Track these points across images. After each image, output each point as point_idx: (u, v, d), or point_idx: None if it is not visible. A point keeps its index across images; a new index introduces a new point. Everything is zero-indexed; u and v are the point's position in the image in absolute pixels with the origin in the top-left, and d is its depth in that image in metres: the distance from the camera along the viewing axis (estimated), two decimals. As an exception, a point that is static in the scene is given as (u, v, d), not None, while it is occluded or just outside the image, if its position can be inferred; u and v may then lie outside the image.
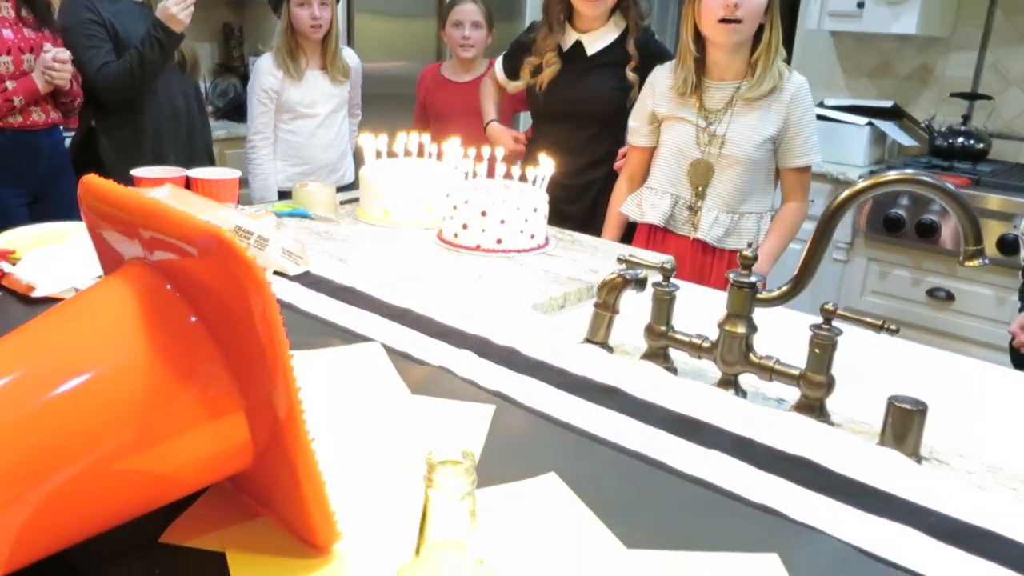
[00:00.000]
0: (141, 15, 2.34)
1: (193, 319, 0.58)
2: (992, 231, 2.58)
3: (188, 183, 1.57)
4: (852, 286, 2.92)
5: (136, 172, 1.55)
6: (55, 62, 2.14)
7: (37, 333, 0.58)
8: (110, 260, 0.70)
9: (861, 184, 0.89)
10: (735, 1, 1.68)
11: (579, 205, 2.21)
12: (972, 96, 3.05)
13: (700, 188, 1.86)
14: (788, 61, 1.94)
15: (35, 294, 1.14)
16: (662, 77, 1.91)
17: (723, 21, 1.71)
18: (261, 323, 0.54)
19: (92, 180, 0.65)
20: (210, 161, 2.66)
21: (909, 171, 0.87)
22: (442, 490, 0.45)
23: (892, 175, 0.88)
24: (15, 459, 0.53)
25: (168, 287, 0.59)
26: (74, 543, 0.57)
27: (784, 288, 0.92)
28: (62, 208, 2.19)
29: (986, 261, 0.86)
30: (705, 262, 1.89)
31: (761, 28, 1.76)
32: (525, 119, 2.56)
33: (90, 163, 2.40)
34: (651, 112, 1.93)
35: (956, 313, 2.71)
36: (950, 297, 2.71)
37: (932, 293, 2.74)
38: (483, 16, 2.71)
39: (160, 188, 1.27)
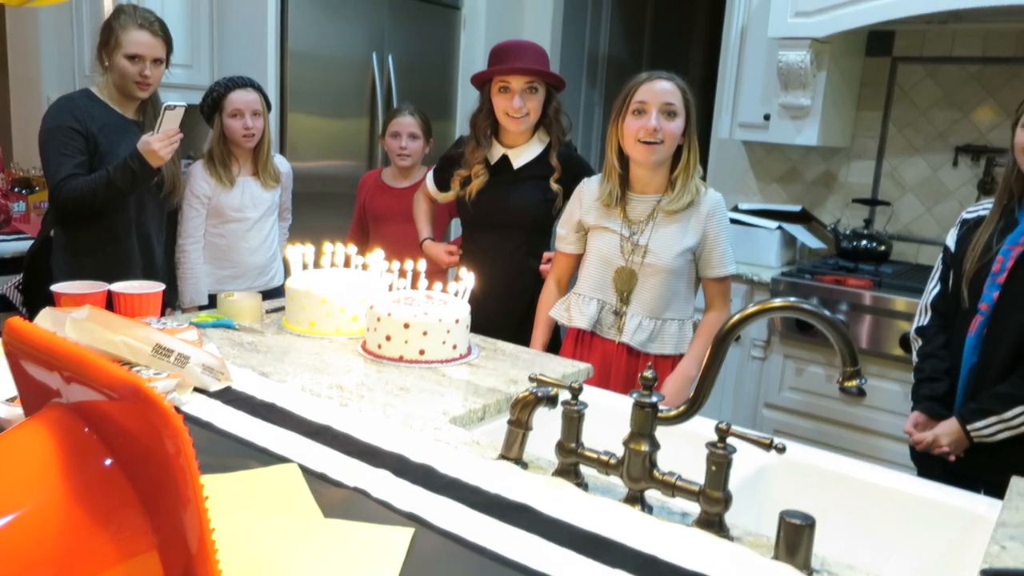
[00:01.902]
0: (132, 135, 2.26)
1: (108, 462, 0.61)
2: (896, 330, 2.73)
3: (110, 296, 1.57)
4: (771, 382, 3.03)
5: (56, 288, 1.55)
6: None
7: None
8: (28, 388, 0.72)
9: (749, 309, 0.96)
10: (655, 125, 1.82)
11: (508, 310, 2.27)
12: (872, 202, 3.27)
13: (624, 294, 1.95)
14: (704, 167, 2.07)
15: (-55, 416, 1.12)
16: (588, 189, 2.03)
17: (644, 142, 1.84)
18: (175, 465, 0.57)
19: (16, 323, 0.68)
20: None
21: (792, 299, 0.95)
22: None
23: (777, 303, 0.96)
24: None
25: (85, 430, 0.62)
26: None
27: (682, 408, 0.98)
28: None
29: (864, 381, 0.94)
30: (631, 365, 1.96)
31: (680, 147, 1.89)
32: (458, 225, 2.65)
33: (40, 274, 2.28)
34: (578, 221, 2.03)
35: (868, 408, 2.83)
36: (861, 392, 2.83)
37: (845, 389, 2.86)
38: (420, 128, 2.85)
39: (80, 309, 1.27)
